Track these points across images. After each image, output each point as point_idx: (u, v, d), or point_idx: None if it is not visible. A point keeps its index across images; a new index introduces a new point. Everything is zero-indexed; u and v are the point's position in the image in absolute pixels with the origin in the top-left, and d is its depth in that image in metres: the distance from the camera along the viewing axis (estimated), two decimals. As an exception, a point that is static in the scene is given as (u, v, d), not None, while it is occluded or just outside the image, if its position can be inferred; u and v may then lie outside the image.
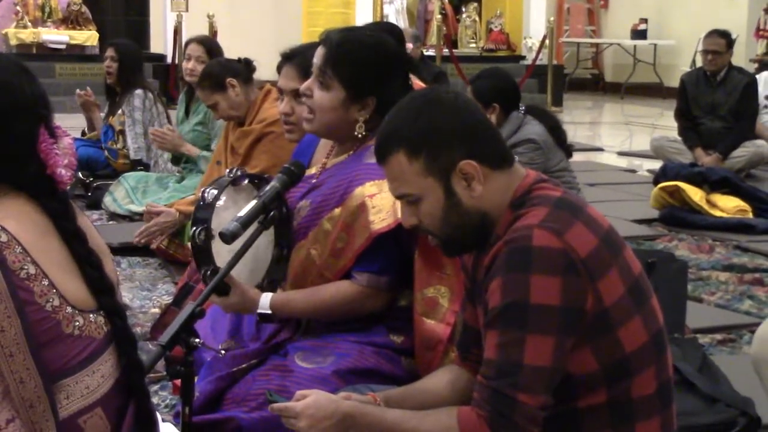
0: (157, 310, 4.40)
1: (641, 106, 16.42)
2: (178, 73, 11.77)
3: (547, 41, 15.16)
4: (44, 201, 2.03)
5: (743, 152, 8.57)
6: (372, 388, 2.52)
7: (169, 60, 14.45)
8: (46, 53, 13.76)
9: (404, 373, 2.84)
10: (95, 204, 6.77)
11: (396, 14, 16.55)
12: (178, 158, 6.39)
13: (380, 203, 2.82)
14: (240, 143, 5.04)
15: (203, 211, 2.83)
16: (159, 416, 2.28)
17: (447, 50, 14.92)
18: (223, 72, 5.07)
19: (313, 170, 3.09)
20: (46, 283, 1.94)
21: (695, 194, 6.70)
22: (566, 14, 18.75)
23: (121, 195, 6.54)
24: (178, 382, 2.45)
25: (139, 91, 7.19)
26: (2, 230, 1.91)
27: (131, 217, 6.33)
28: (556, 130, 5.25)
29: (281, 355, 2.94)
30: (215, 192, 2.86)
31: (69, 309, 1.97)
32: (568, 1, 18.86)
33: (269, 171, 4.72)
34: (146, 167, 7.12)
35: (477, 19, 17.14)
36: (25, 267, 1.92)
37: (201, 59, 6.11)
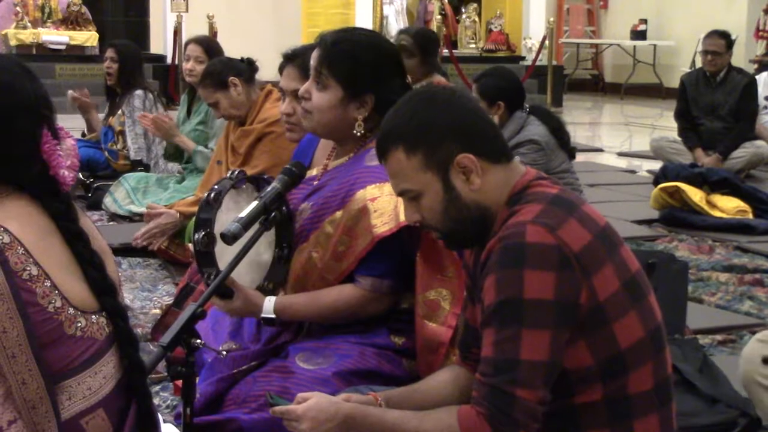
0: (157, 311, 4.40)
1: (641, 106, 16.43)
2: (178, 74, 11.77)
3: (546, 42, 15.17)
4: (47, 202, 2.03)
5: (743, 153, 8.57)
6: (373, 390, 2.52)
7: (169, 61, 14.45)
8: (46, 54, 13.75)
9: (405, 375, 2.84)
10: (96, 205, 6.76)
11: (396, 15, 16.56)
12: (171, 153, 6.38)
13: (382, 206, 2.82)
14: (240, 143, 5.04)
15: (205, 213, 2.84)
16: (160, 417, 2.28)
17: (447, 51, 14.91)
18: (226, 70, 5.08)
19: (314, 172, 3.09)
20: (48, 284, 1.94)
21: (695, 195, 6.70)
22: (566, 15, 18.77)
23: (121, 196, 6.53)
24: (180, 382, 2.45)
25: (139, 92, 7.18)
26: (4, 231, 1.91)
27: (131, 218, 6.33)
28: (559, 132, 5.25)
29: (282, 356, 2.95)
30: (217, 195, 2.86)
31: (71, 310, 1.98)
32: (567, 1, 18.88)
33: (270, 171, 4.73)
34: (146, 168, 7.11)
35: (477, 19, 17.14)
36: (28, 268, 1.92)
37: (200, 59, 6.11)
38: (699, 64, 9.40)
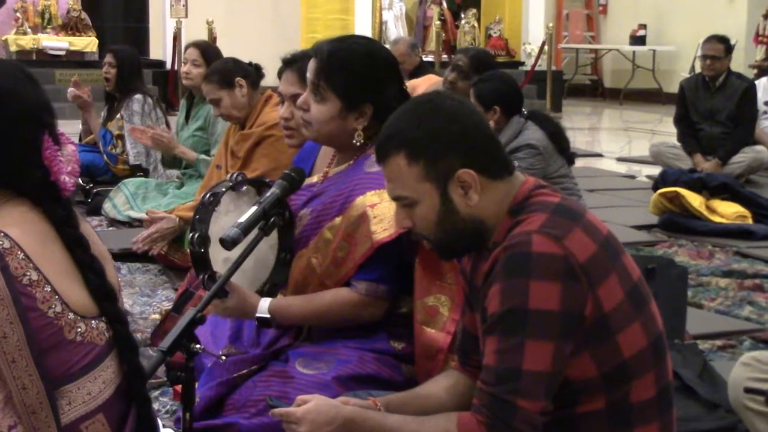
0: (157, 316, 4.40)
1: (640, 111, 16.43)
2: (178, 80, 11.77)
3: (546, 47, 15.18)
4: (47, 207, 2.03)
5: (742, 158, 8.57)
6: (372, 395, 2.52)
7: (168, 66, 14.45)
8: (45, 59, 13.76)
9: (404, 380, 2.84)
10: (95, 210, 6.75)
11: (395, 20, 16.57)
12: (168, 161, 6.39)
13: (381, 213, 2.82)
14: (240, 146, 5.05)
15: (200, 214, 2.83)
16: (160, 422, 2.28)
17: (446, 56, 14.91)
18: (235, 70, 5.08)
19: (314, 179, 3.09)
20: (48, 289, 1.95)
21: (695, 200, 6.70)
22: (565, 20, 18.77)
23: (120, 201, 6.53)
24: (179, 387, 2.45)
25: (138, 96, 7.17)
26: (5, 237, 1.92)
27: (131, 224, 6.33)
28: (557, 136, 5.23)
29: (282, 361, 2.95)
30: (213, 197, 2.86)
31: (71, 315, 1.98)
32: (567, 7, 18.89)
33: (269, 174, 4.73)
34: (146, 172, 7.11)
35: (476, 25, 17.13)
36: (28, 273, 1.92)
37: (196, 63, 6.12)
38: (698, 69, 9.39)
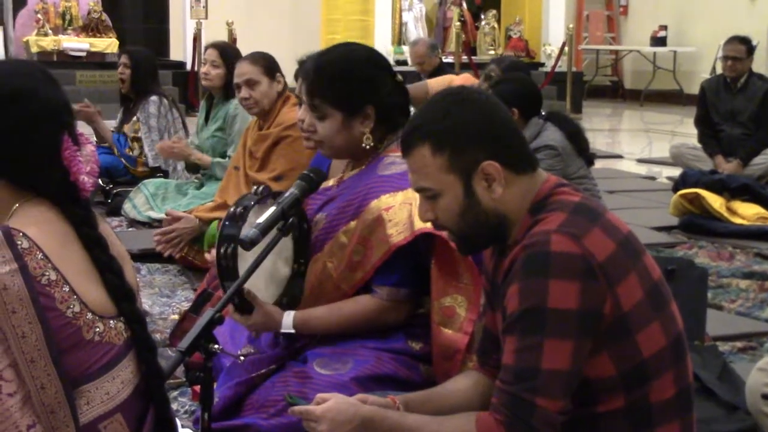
0: (176, 317, 4.41)
1: (661, 113, 16.38)
2: (198, 81, 11.80)
3: (566, 48, 15.14)
4: (66, 207, 2.04)
5: (764, 159, 8.50)
6: (390, 395, 2.52)
7: (188, 67, 14.49)
8: (66, 61, 13.81)
9: (422, 380, 2.84)
10: (115, 211, 6.77)
11: (415, 21, 16.56)
12: (193, 166, 6.40)
13: (396, 216, 2.83)
14: (257, 147, 5.05)
15: (231, 229, 2.83)
16: (178, 422, 2.28)
17: (466, 57, 14.90)
18: (277, 66, 5.11)
19: (330, 182, 3.10)
20: (67, 289, 1.95)
21: (715, 201, 6.67)
22: (585, 21, 18.73)
23: (140, 202, 6.55)
24: (198, 388, 2.45)
25: (154, 98, 7.17)
26: (24, 237, 1.92)
27: (151, 224, 6.34)
28: (576, 137, 5.22)
29: (300, 361, 2.95)
30: (243, 211, 2.87)
31: (89, 315, 1.98)
32: (587, 8, 18.84)
33: (287, 174, 4.74)
34: (165, 174, 7.13)
35: (496, 26, 17.12)
36: (47, 273, 1.93)
37: (215, 63, 6.12)
38: (720, 70, 9.34)
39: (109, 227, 2.17)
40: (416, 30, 16.34)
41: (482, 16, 17.35)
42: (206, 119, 6.40)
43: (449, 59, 14.66)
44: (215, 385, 2.74)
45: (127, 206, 6.62)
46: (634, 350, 2.10)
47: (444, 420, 2.20)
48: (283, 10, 16.41)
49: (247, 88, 5.04)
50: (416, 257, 2.85)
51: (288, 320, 2.91)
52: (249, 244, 2.60)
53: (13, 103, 2.00)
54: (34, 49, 13.71)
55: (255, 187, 3.03)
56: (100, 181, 7.00)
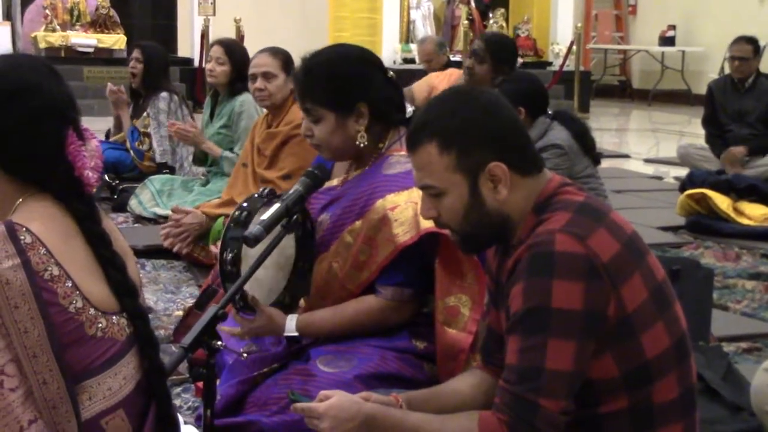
0: (181, 313, 4.41)
1: (669, 113, 16.36)
2: (205, 77, 11.81)
3: (574, 47, 15.12)
4: (70, 203, 2.04)
5: (771, 160, 8.50)
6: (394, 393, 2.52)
7: (196, 64, 14.50)
8: (74, 56, 13.83)
9: (426, 379, 2.83)
10: (121, 207, 6.78)
11: (423, 20, 16.54)
12: (200, 159, 6.40)
13: (401, 215, 2.82)
14: (266, 145, 5.05)
15: (235, 233, 2.83)
16: (181, 418, 2.28)
17: (473, 56, 14.85)
18: (294, 66, 5.09)
19: (334, 182, 3.09)
20: (69, 284, 1.95)
21: (722, 202, 6.66)
22: (594, 20, 18.71)
23: (146, 198, 6.56)
24: (201, 384, 2.45)
25: (164, 94, 7.18)
26: (27, 231, 1.92)
27: (156, 220, 6.35)
28: (583, 136, 5.20)
29: (303, 359, 2.95)
30: (248, 215, 2.86)
31: (92, 311, 1.98)
32: (595, 7, 18.82)
33: (296, 173, 4.73)
34: (171, 170, 7.13)
35: (504, 24, 17.08)
36: (49, 268, 1.93)
37: (220, 60, 6.11)
38: (728, 70, 9.32)
39: (112, 223, 2.17)
40: (424, 28, 16.31)
41: (490, 15, 17.30)
42: (211, 116, 6.40)
43: (457, 58, 14.64)
44: (218, 383, 2.74)
45: (132, 202, 6.62)
46: (638, 351, 2.10)
47: (446, 419, 2.20)
48: (291, 8, 16.43)
49: (263, 79, 5.03)
50: (421, 257, 2.84)
51: (291, 324, 2.92)
52: (253, 241, 2.60)
53: (17, 98, 2.00)
54: (42, 45, 13.72)
55: (261, 189, 3.03)
56: (106, 177, 7.01)
